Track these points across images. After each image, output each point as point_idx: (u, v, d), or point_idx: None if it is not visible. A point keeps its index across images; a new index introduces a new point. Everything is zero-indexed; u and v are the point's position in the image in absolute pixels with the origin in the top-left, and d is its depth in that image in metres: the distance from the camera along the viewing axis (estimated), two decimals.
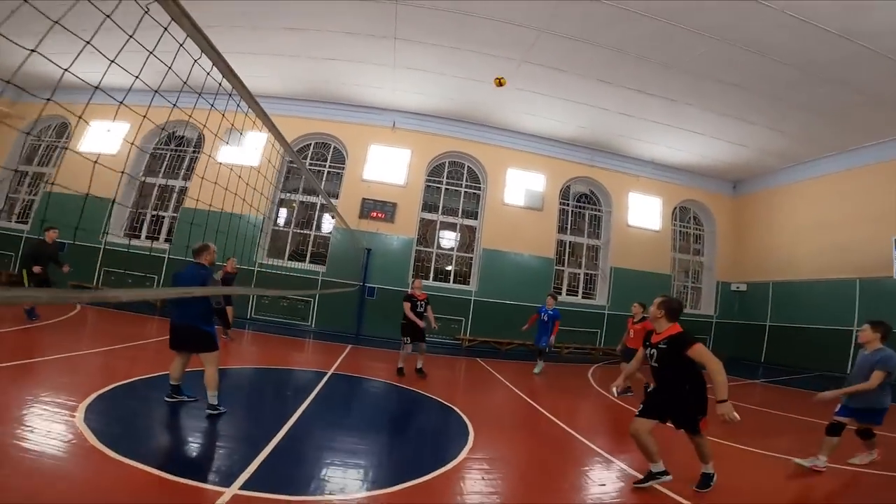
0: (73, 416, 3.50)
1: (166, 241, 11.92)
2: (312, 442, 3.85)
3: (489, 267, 12.13)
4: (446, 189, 12.82)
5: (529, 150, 12.92)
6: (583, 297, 13.21)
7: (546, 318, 8.59)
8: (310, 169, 12.48)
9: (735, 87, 9.27)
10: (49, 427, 3.24)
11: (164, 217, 12.30)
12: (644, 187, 13.79)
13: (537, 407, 6.00)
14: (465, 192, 12.89)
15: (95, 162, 1.98)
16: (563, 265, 13.15)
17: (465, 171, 12.98)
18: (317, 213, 12.32)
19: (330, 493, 2.87)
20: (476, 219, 12.75)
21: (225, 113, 2.49)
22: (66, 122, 12.77)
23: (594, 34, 8.17)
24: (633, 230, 13.47)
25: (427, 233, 12.58)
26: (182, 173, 12.45)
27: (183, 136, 12.56)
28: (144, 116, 2.30)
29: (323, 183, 12.39)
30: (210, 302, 4.16)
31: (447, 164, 12.95)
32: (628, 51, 8.57)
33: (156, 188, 12.47)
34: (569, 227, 13.44)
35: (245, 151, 11.86)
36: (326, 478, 3.14)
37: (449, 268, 12.59)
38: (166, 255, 11.38)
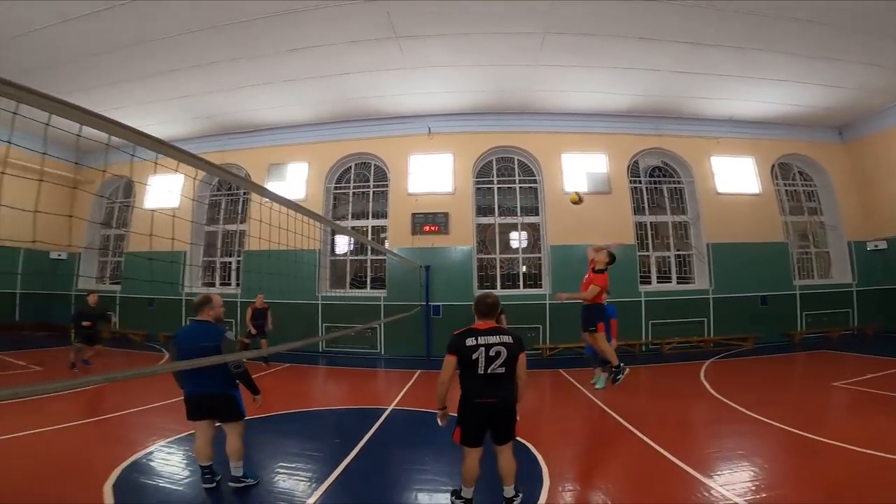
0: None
1: (237, 285, 12.12)
2: None
3: (561, 265, 10.77)
4: (499, 188, 11.80)
5: (582, 130, 11.53)
6: (679, 283, 11.33)
7: None
8: (355, 192, 12.16)
9: (811, 23, 7.64)
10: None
11: (230, 263, 12.59)
12: (727, 149, 11.75)
13: (641, 436, 4.74)
14: (521, 188, 11.76)
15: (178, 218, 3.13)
16: (648, 250, 11.42)
17: (516, 166, 11.90)
18: (369, 236, 11.89)
19: None
20: (537, 215, 11.55)
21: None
22: (131, 182, 13.33)
23: None
24: (727, 198, 11.43)
25: (486, 238, 11.60)
26: (239, 217, 12.69)
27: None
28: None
29: (371, 203, 11.98)
30: (228, 367, 3.33)
31: (494, 161, 11.96)
32: None
33: (219, 235, 12.85)
34: (646, 206, 11.71)
35: (290, 186, 11.93)
36: None
37: (515, 272, 11.44)
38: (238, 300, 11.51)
